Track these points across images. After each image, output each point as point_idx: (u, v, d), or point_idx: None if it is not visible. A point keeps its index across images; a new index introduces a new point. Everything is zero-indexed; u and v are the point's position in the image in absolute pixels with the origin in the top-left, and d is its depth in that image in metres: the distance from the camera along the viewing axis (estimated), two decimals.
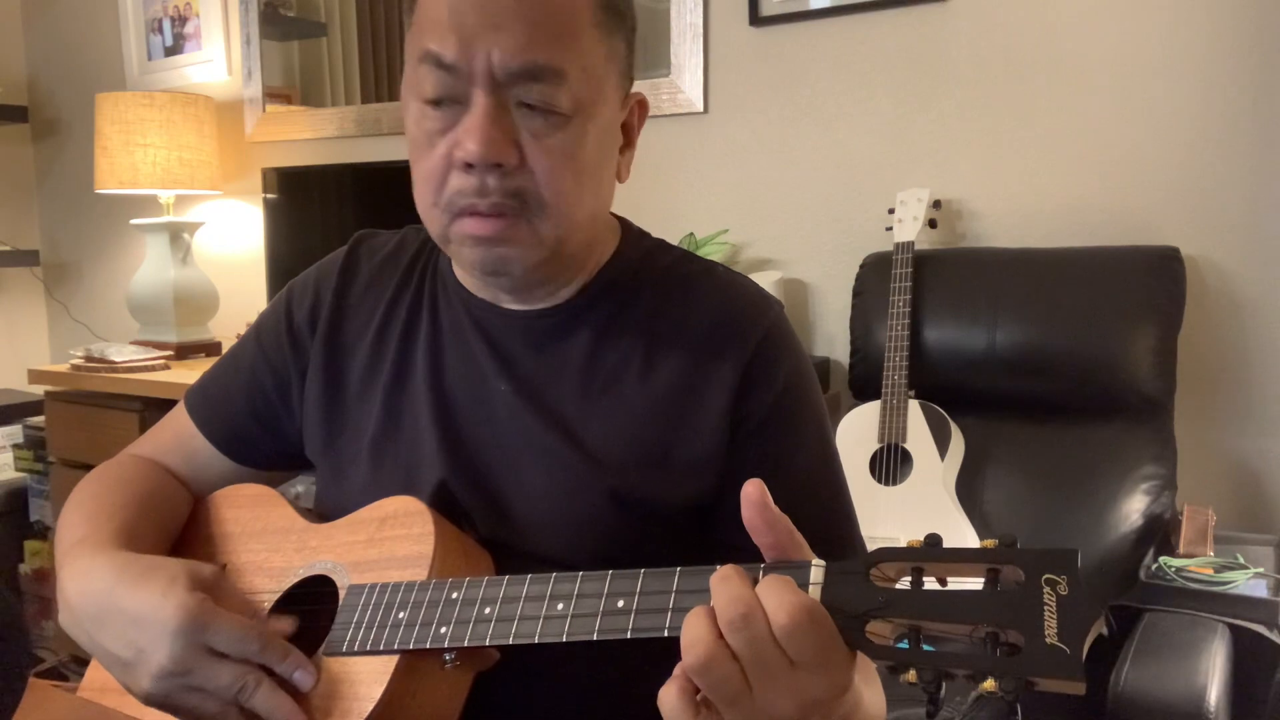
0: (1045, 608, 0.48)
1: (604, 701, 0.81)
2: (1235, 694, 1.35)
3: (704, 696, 0.56)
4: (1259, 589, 1.46)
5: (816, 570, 0.56)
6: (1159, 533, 1.61)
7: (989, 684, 0.49)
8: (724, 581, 0.56)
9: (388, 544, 0.78)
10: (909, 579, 0.54)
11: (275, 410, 0.95)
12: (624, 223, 0.92)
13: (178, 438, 0.98)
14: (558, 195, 0.76)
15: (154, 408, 2.41)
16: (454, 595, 0.70)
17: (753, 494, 0.58)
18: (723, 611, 0.55)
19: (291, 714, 0.71)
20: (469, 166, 0.74)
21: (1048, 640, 0.48)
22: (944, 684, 0.51)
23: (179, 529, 0.93)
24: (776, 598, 0.54)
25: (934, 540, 0.54)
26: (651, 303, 0.86)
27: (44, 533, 2.87)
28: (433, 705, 0.72)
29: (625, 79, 0.82)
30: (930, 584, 0.53)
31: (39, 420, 2.76)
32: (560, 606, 0.65)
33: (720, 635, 0.55)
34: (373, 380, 0.89)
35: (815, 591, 0.55)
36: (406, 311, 0.91)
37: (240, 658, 0.71)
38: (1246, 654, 1.38)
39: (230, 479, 0.96)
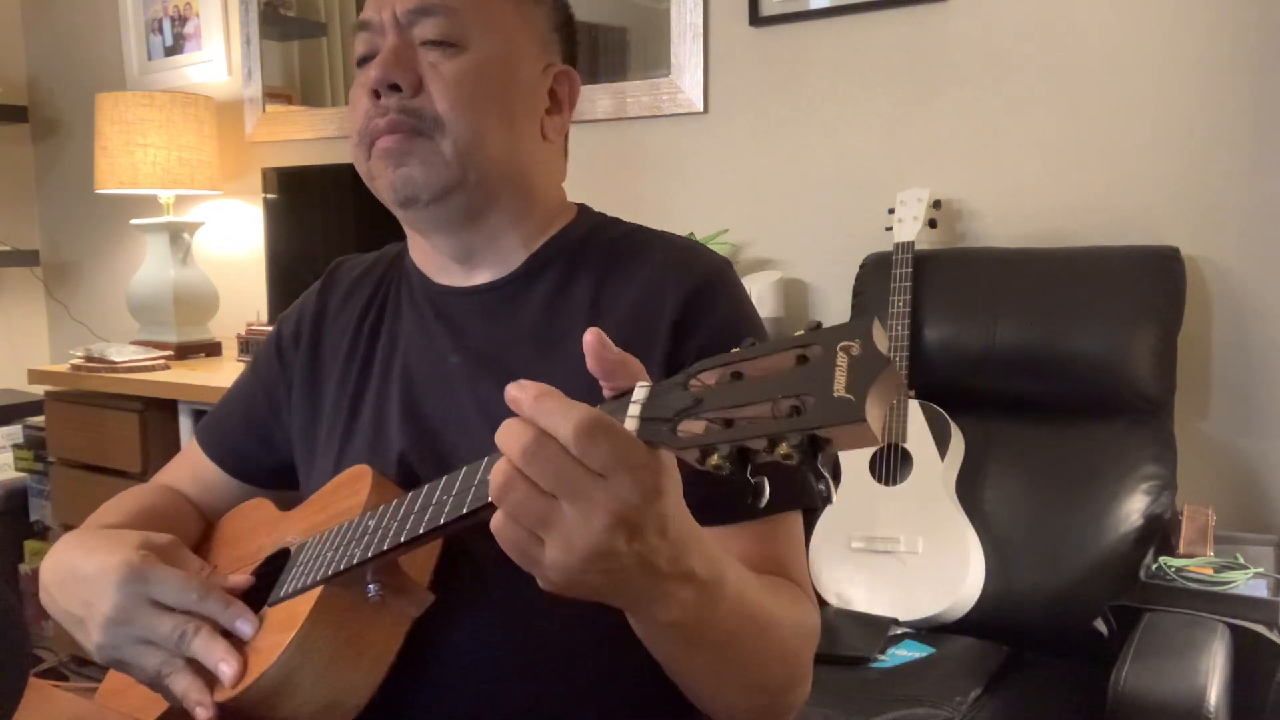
0: (837, 369, 0.48)
1: (557, 664, 0.82)
2: (1235, 694, 1.35)
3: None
4: (1259, 589, 1.46)
5: (640, 390, 0.56)
6: (1159, 533, 1.61)
7: (783, 448, 0.48)
8: (504, 428, 0.56)
9: (334, 506, 0.82)
10: (727, 382, 0.53)
11: (269, 425, 1.00)
12: (583, 206, 0.96)
13: (190, 467, 1.04)
14: (452, 112, 0.82)
15: (154, 408, 2.42)
16: (370, 523, 0.73)
17: (591, 340, 0.58)
18: (508, 449, 0.54)
19: (226, 655, 0.73)
20: (375, 95, 0.83)
21: (835, 393, 0.47)
22: (748, 461, 0.50)
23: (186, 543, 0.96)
24: (558, 416, 0.54)
25: (752, 342, 0.54)
26: (600, 266, 0.88)
27: (44, 533, 2.87)
28: (361, 643, 0.74)
29: (546, 48, 0.90)
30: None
31: (39, 420, 2.76)
32: (442, 496, 0.67)
33: (517, 466, 0.54)
34: (346, 377, 0.94)
35: (636, 409, 0.55)
36: (376, 311, 0.96)
37: (182, 609, 0.75)
38: (1246, 654, 1.38)
39: (239, 500, 1.00)
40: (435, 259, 0.92)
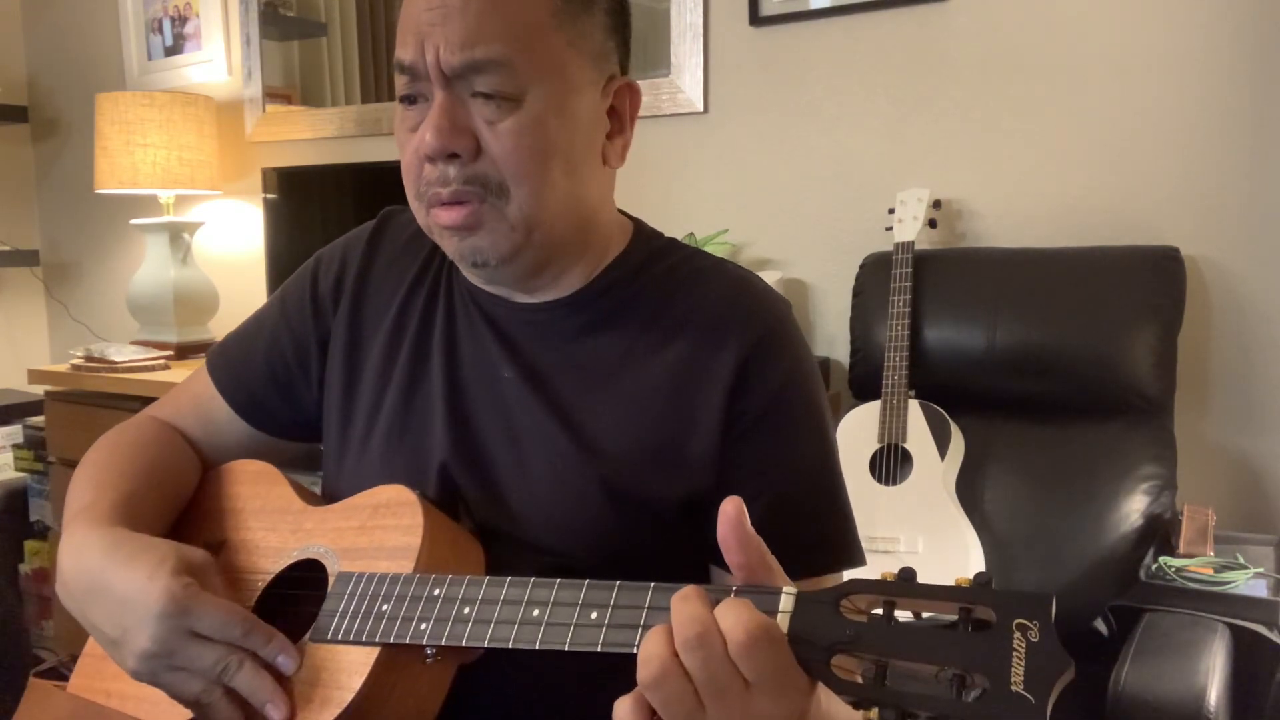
0: (1014, 653, 0.48)
1: (585, 694, 0.81)
2: (1235, 694, 1.35)
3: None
4: (1259, 589, 1.46)
5: (786, 598, 0.56)
6: (1159, 533, 1.61)
7: None
8: (683, 601, 0.57)
9: (378, 533, 0.79)
10: (880, 612, 0.53)
11: (294, 378, 0.96)
12: (638, 223, 0.93)
13: (196, 400, 0.99)
14: (517, 177, 0.77)
15: None
16: (436, 592, 0.71)
17: (730, 511, 0.58)
18: (679, 629, 0.55)
19: (273, 694, 0.72)
20: (430, 159, 0.77)
21: (1013, 688, 0.47)
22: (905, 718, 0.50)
23: (185, 500, 0.93)
24: (734, 616, 0.55)
25: (908, 575, 0.53)
26: (656, 297, 0.86)
27: (44, 533, 2.87)
28: (413, 698, 0.73)
29: (602, 63, 0.82)
30: (903, 617, 0.53)
31: (39, 420, 2.76)
32: (536, 613, 0.66)
33: (675, 653, 0.55)
34: (390, 363, 0.90)
35: (784, 620, 0.55)
36: (425, 297, 0.92)
37: (223, 641, 0.73)
38: (1246, 654, 1.38)
39: (246, 444, 0.97)
40: (467, 270, 0.88)
